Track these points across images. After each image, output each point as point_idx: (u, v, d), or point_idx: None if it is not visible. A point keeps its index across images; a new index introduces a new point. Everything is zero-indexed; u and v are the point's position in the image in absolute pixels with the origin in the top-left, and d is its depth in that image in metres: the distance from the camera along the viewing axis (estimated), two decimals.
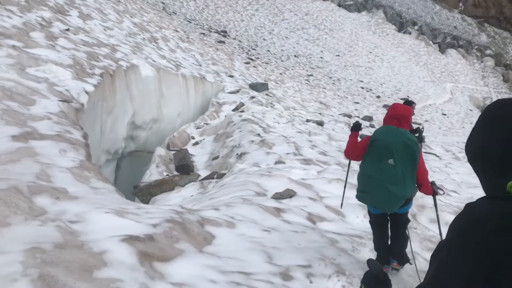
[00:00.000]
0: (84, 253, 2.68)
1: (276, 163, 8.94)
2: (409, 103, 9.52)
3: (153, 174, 9.13)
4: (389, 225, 3.93)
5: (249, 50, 42.91)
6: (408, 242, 3.93)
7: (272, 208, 4.57)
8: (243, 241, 3.68)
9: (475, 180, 12.87)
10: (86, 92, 9.02)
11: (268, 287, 3.00)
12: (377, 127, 25.47)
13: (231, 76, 24.73)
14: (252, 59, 37.81)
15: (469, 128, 43.11)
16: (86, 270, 2.49)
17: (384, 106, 38.91)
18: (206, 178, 9.31)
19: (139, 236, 3.06)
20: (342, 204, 4.39)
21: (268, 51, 48.45)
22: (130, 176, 13.13)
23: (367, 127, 23.08)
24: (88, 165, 4.82)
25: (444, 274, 1.06)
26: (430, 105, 50.68)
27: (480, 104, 63.79)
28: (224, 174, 8.70)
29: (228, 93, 19.89)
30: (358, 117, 28.59)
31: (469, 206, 1.07)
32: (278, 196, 5.30)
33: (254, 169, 8.15)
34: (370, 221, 3.97)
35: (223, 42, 39.38)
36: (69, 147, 5.07)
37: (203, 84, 18.65)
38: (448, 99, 58.63)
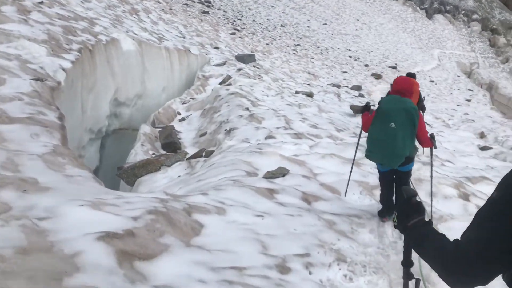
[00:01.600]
0: (53, 257, 2.33)
1: (266, 138, 8.60)
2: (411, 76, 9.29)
3: (138, 153, 8.73)
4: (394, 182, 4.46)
5: (234, 21, 41.82)
6: None
7: (265, 189, 4.26)
8: (234, 229, 3.37)
9: (467, 148, 12.72)
10: (63, 69, 8.48)
11: (264, 284, 2.70)
12: (366, 96, 25.17)
13: (217, 48, 24.02)
14: (237, 30, 36.87)
15: (457, 94, 43.11)
16: (55, 278, 2.15)
17: (373, 74, 38.56)
18: (193, 156, 8.96)
19: (117, 232, 2.72)
20: (346, 192, 4.86)
21: (254, 21, 47.33)
22: (116, 155, 12.72)
23: (356, 96, 22.76)
24: (62, 150, 4.42)
25: (485, 225, 1.19)
26: (418, 72, 50.34)
27: (467, 70, 63.77)
28: (213, 151, 8.35)
29: (214, 65, 19.29)
30: (347, 86, 28.23)
31: None
32: (270, 176, 4.98)
33: (244, 146, 7.81)
34: (379, 178, 4.54)
35: (207, 12, 38.24)
36: (42, 131, 4.65)
37: (188, 56, 18.01)
38: (435, 65, 58.42)
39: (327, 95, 18.12)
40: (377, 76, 38.06)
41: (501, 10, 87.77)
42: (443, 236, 1.41)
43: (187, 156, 9.29)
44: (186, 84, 17.60)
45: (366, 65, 44.34)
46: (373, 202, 4.84)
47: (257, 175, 5.02)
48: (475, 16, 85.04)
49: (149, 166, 6.87)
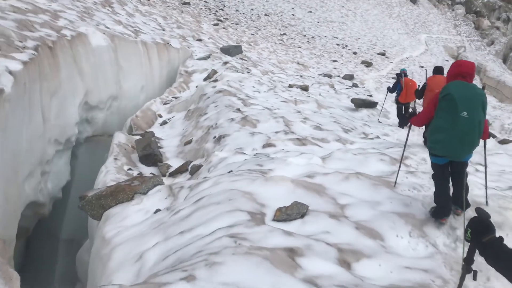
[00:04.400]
0: None
1: (264, 146, 7.14)
2: (439, 70, 8.07)
3: (110, 171, 7.18)
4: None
5: (216, 11, 40.02)
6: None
7: (282, 251, 2.79)
8: None
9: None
10: (10, 73, 6.86)
11: None
12: (359, 86, 23.81)
13: (200, 40, 22.36)
14: (220, 20, 35.14)
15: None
16: None
17: (363, 62, 37.28)
18: (177, 171, 7.47)
19: None
20: (395, 182, 4.57)
21: (237, 10, 45.55)
22: (91, 167, 11.09)
23: (350, 87, 21.38)
24: None
25: None
26: (407, 58, 49.23)
27: (455, 54, 62.90)
28: (200, 166, 6.86)
29: (197, 59, 17.68)
30: (339, 76, 26.83)
31: None
32: (283, 217, 3.52)
33: (239, 159, 6.33)
34: (433, 175, 4.10)
35: (188, 3, 36.39)
36: None
37: (168, 51, 16.36)
38: (424, 50, 57.34)
39: (322, 88, 16.67)
40: (367, 64, 36.82)
41: None
42: None
43: (170, 171, 7.79)
44: (167, 82, 15.97)
45: (355, 53, 43.06)
46: (430, 249, 3.41)
47: (264, 217, 3.54)
48: None
49: (119, 195, 5.33)
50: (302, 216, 3.58)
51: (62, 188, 10.65)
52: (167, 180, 7.47)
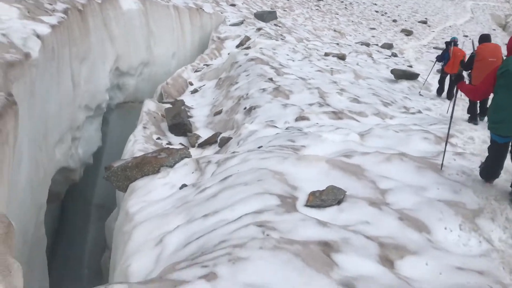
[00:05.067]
0: None
1: (297, 119, 6.75)
2: (487, 38, 7.46)
3: (138, 140, 7.00)
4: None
5: None
6: None
7: (315, 245, 2.46)
8: None
9: None
10: (38, 36, 6.66)
11: None
12: (399, 56, 22.68)
13: (233, 5, 21.70)
14: None
15: None
16: None
17: (402, 31, 35.52)
18: (206, 142, 7.22)
19: None
20: (442, 164, 4.16)
21: None
22: (122, 134, 11.06)
23: (389, 56, 20.36)
24: None
25: None
26: (450, 26, 46.61)
27: (502, 23, 59.16)
28: (229, 138, 6.57)
29: (230, 25, 17.15)
30: (377, 45, 25.64)
31: None
32: (318, 203, 3.18)
33: (270, 132, 5.99)
34: (492, 153, 3.88)
35: None
36: None
37: (201, 16, 15.90)
38: (469, 18, 54.11)
39: (359, 57, 15.88)
40: (408, 33, 35.05)
41: None
42: None
43: (199, 141, 7.56)
44: (199, 48, 15.60)
45: (395, 20, 41.13)
46: (484, 246, 3.00)
47: (296, 202, 3.21)
48: None
49: (145, 167, 5.12)
50: (339, 202, 3.23)
51: (93, 154, 10.67)
52: (195, 151, 7.25)
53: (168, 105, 9.22)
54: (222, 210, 3.06)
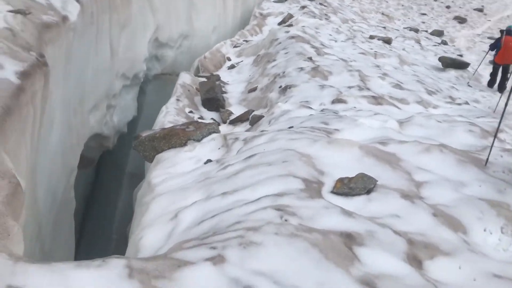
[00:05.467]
0: None
1: (334, 102, 6.46)
2: None
3: (170, 112, 6.93)
4: None
5: None
6: None
7: (337, 235, 2.26)
8: None
9: None
10: (77, 0, 6.64)
11: None
12: (449, 44, 21.55)
13: None
14: None
15: None
16: None
17: (455, 18, 33.72)
18: (237, 119, 7.06)
19: None
20: (487, 160, 3.74)
21: None
22: (158, 105, 11.12)
23: (439, 44, 19.37)
24: None
25: None
26: (508, 16, 43.84)
27: None
28: (261, 117, 6.37)
29: (274, 1, 16.75)
30: (427, 31, 24.46)
31: None
32: (345, 190, 2.95)
33: (303, 113, 5.74)
34: None
35: None
36: None
37: None
38: None
39: (406, 42, 15.16)
40: (461, 20, 33.23)
41: None
42: None
43: (231, 118, 7.41)
44: (240, 24, 15.35)
45: (448, 7, 39.04)
46: None
47: (322, 187, 3.00)
48: None
49: (172, 139, 5.02)
50: (368, 192, 2.99)
51: (128, 123, 10.77)
52: (226, 128, 7.12)
53: (203, 79, 9.09)
54: (242, 189, 2.89)
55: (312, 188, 2.94)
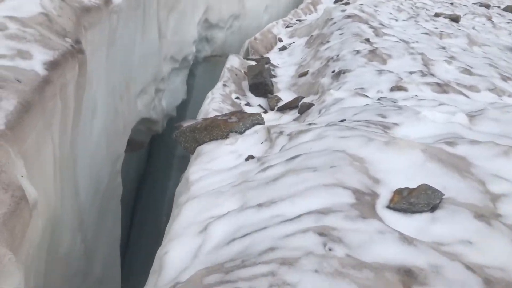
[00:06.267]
0: None
1: (392, 89, 5.85)
2: None
3: (215, 98, 6.62)
4: None
5: None
6: None
7: (393, 275, 1.82)
8: None
9: None
10: None
11: None
12: None
13: None
14: None
15: None
16: None
17: None
18: (285, 106, 6.63)
19: None
20: None
21: None
22: (208, 88, 10.95)
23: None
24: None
25: None
26: None
27: None
28: (310, 105, 5.90)
29: None
30: (499, 7, 22.32)
31: None
32: (404, 206, 2.48)
33: (358, 102, 5.21)
34: None
35: None
36: None
37: None
38: None
39: (476, 20, 13.82)
40: None
41: None
42: None
43: (279, 104, 6.99)
44: (294, 3, 14.69)
45: None
46: None
47: (376, 201, 2.54)
48: None
49: (213, 130, 4.72)
50: (433, 208, 2.49)
51: (177, 107, 10.66)
52: (274, 115, 6.72)
53: (253, 62, 8.70)
54: (280, 201, 2.50)
55: (364, 202, 2.49)
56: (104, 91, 5.78)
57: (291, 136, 3.91)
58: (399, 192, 2.62)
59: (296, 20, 12.13)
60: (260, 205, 2.52)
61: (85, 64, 4.18)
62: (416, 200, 2.50)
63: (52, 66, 3.08)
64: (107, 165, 6.46)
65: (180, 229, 2.71)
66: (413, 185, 2.67)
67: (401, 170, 2.91)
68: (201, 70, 11.93)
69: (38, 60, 3.06)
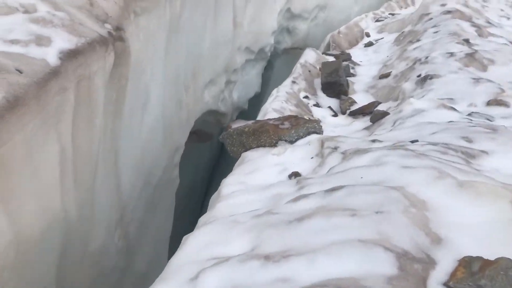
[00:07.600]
0: None
1: (489, 103, 4.82)
2: None
3: (279, 96, 6.06)
4: None
5: None
6: None
7: None
8: None
9: None
10: None
11: None
12: None
13: None
14: None
15: None
16: None
17: None
18: (359, 111, 5.89)
19: None
20: None
21: None
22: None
23: None
24: None
25: None
26: None
27: None
28: (385, 114, 5.08)
29: None
30: None
31: None
32: (470, 287, 1.74)
33: (441, 117, 4.33)
34: None
35: None
36: None
37: None
38: None
39: None
40: None
41: None
42: None
43: (352, 108, 6.22)
44: None
45: None
46: None
47: (429, 272, 1.80)
48: None
49: (261, 136, 4.18)
50: None
51: (249, 100, 10.25)
52: (344, 120, 6.01)
53: (331, 58, 7.95)
54: (295, 256, 1.89)
55: (411, 275, 1.78)
56: (160, 81, 5.49)
57: (345, 156, 3.22)
58: (466, 264, 1.85)
59: (389, 14, 11.03)
60: (267, 258, 1.91)
61: (127, 52, 3.85)
62: (490, 282, 1.73)
63: (69, 55, 2.74)
64: (162, 157, 6.22)
65: (175, 267, 2.22)
66: (490, 253, 1.88)
67: (477, 227, 2.11)
68: (280, 62, 11.37)
69: (55, 48, 2.74)
